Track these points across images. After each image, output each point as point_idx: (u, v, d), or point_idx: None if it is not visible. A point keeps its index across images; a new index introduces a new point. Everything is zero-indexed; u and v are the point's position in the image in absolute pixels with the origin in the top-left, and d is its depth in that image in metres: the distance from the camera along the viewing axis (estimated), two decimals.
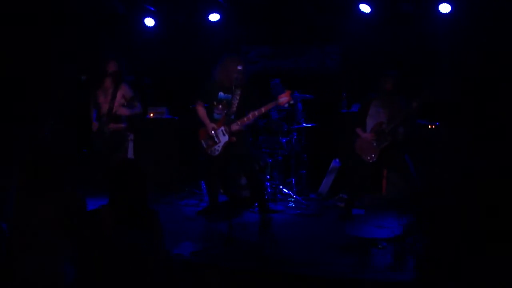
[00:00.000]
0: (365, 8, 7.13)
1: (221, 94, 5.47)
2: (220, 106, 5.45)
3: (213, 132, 5.49)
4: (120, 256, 2.84)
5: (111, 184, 2.97)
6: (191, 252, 4.56)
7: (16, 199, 3.07)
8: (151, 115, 7.59)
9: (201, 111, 5.71)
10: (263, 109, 5.19)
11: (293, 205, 6.64)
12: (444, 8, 6.78)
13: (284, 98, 5.16)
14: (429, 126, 6.71)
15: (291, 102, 5.20)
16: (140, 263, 2.86)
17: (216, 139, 5.49)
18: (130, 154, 6.52)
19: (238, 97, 5.38)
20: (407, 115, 5.49)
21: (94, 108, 6.02)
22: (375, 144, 5.64)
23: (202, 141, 5.64)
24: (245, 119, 5.25)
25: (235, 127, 5.29)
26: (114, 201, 2.96)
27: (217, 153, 5.49)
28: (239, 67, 5.30)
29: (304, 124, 7.03)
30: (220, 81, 5.47)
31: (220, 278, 4.14)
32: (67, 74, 7.09)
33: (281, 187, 6.88)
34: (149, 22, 7.98)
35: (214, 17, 7.81)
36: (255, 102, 5.23)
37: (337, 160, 7.17)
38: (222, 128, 5.41)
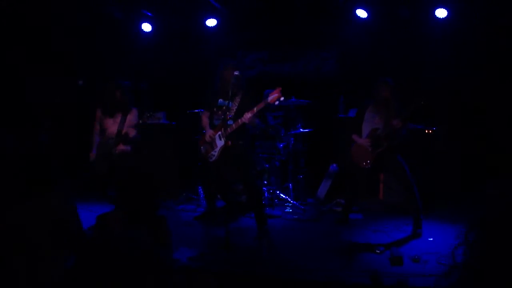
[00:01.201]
0: (362, 13, 7.16)
1: (220, 100, 5.48)
2: (220, 112, 5.46)
3: (210, 137, 5.51)
4: (124, 260, 2.83)
5: (120, 191, 2.97)
6: (188, 257, 4.56)
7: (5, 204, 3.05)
8: (142, 121, 7.56)
9: (205, 119, 5.75)
10: (255, 109, 5.17)
11: (291, 210, 6.64)
12: (441, 13, 6.81)
13: (274, 95, 5.13)
14: (426, 131, 6.73)
15: (282, 99, 5.16)
16: (143, 267, 2.85)
17: (213, 144, 5.51)
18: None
19: (237, 103, 5.39)
20: (402, 120, 5.49)
21: (97, 132, 5.99)
22: (370, 149, 5.64)
23: (201, 147, 5.66)
24: (239, 121, 5.25)
25: (230, 130, 5.31)
26: (123, 208, 2.96)
27: (214, 158, 5.50)
28: (235, 73, 5.30)
29: (301, 129, 7.04)
30: (220, 88, 5.49)
31: (217, 282, 4.13)
32: (64, 78, 7.10)
33: (278, 192, 6.88)
34: (146, 27, 7.99)
35: (211, 22, 7.83)
36: (252, 106, 5.23)
37: (335, 165, 7.18)
38: (219, 133, 5.43)
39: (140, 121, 5.82)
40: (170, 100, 7.98)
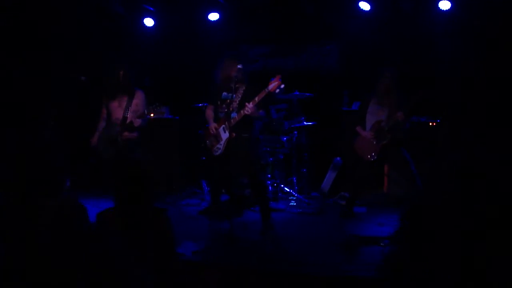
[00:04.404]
0: (364, 6, 7.12)
1: (224, 93, 5.48)
2: (224, 105, 5.46)
3: (214, 130, 5.51)
4: (126, 257, 2.83)
5: (117, 185, 2.97)
6: (193, 251, 4.57)
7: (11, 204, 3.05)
8: (152, 115, 7.57)
9: (208, 112, 5.74)
10: (256, 99, 5.17)
11: (295, 204, 6.64)
12: (444, 5, 6.77)
13: (274, 84, 5.14)
14: (430, 124, 6.71)
15: (282, 86, 5.16)
16: (146, 262, 2.86)
17: (218, 138, 5.51)
18: None
19: (240, 95, 5.40)
20: (405, 113, 5.49)
21: (104, 116, 5.98)
22: (375, 142, 5.63)
23: (207, 140, 5.66)
24: (242, 112, 5.25)
25: (233, 122, 5.31)
26: (121, 203, 2.96)
27: (219, 151, 5.50)
28: (238, 66, 5.30)
29: (305, 123, 7.03)
30: (222, 82, 5.49)
31: (222, 277, 4.14)
32: (67, 75, 7.10)
33: (282, 185, 6.88)
34: (149, 22, 7.97)
35: (213, 16, 7.80)
36: (253, 97, 5.25)
37: (339, 158, 7.17)
38: (223, 125, 5.43)
39: (146, 112, 5.78)
40: (173, 94, 7.97)
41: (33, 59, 7.26)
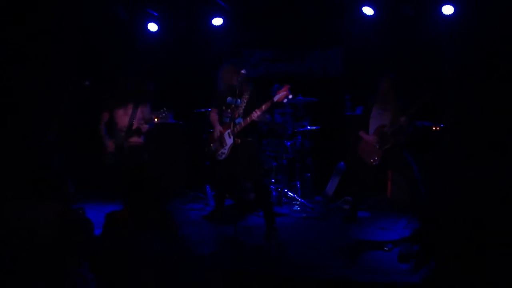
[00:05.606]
0: (368, 10, 7.14)
1: (229, 98, 5.51)
2: (229, 110, 5.49)
3: (220, 133, 5.53)
4: (137, 257, 2.86)
5: (126, 187, 3.00)
6: (197, 255, 4.57)
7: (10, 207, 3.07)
8: (156, 119, 7.59)
9: (213, 116, 5.77)
10: (263, 107, 5.19)
11: (298, 208, 6.64)
12: (447, 9, 6.78)
13: (282, 94, 5.15)
14: (433, 128, 6.71)
15: (290, 97, 5.17)
16: (158, 264, 2.88)
17: (223, 142, 5.53)
18: None
19: (245, 101, 5.42)
20: (409, 117, 5.50)
21: (105, 121, 5.99)
22: (378, 146, 5.64)
23: (211, 144, 5.68)
24: (248, 119, 5.27)
25: (238, 127, 5.33)
26: (129, 205, 2.99)
27: (224, 156, 5.52)
28: (242, 72, 5.33)
29: (308, 127, 7.04)
30: (224, 89, 5.51)
31: (226, 281, 4.14)
32: (70, 80, 7.13)
33: (286, 190, 6.88)
34: (152, 27, 8.00)
35: (217, 21, 7.83)
36: (260, 104, 5.26)
37: (342, 163, 7.17)
38: (228, 130, 5.45)
39: (155, 118, 5.76)
40: (177, 99, 7.98)
41: (36, 63, 7.29)
